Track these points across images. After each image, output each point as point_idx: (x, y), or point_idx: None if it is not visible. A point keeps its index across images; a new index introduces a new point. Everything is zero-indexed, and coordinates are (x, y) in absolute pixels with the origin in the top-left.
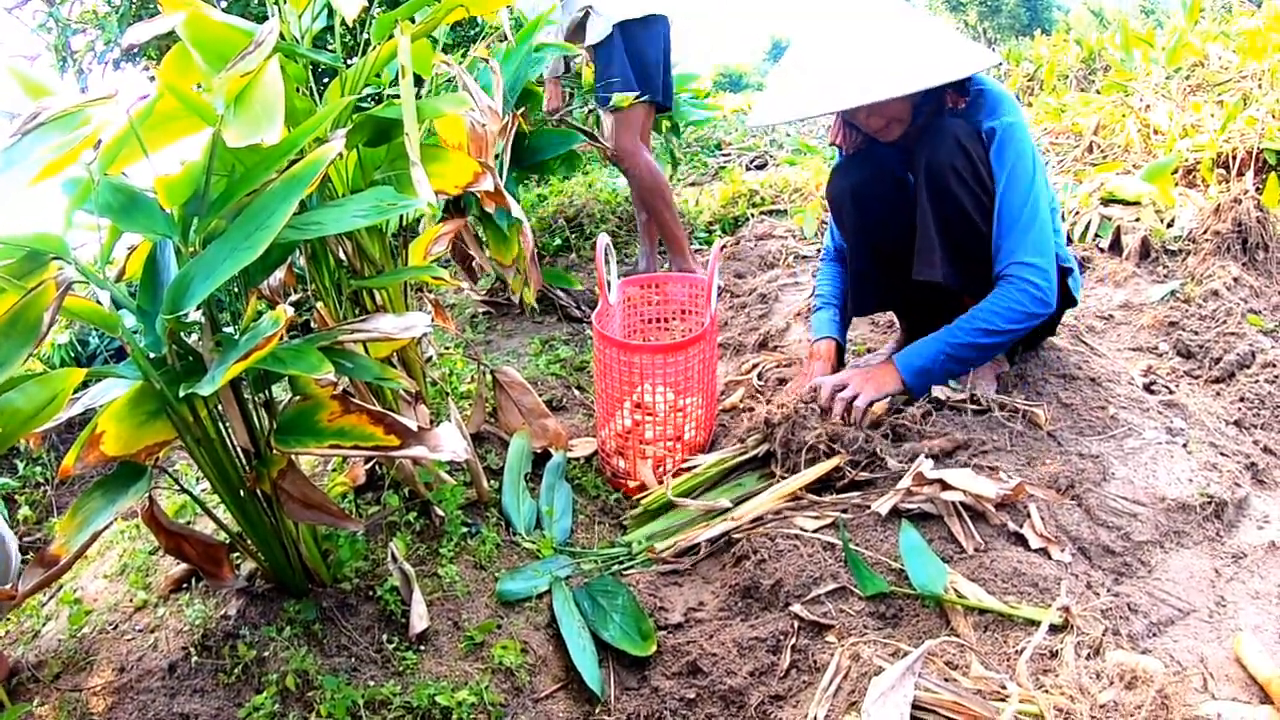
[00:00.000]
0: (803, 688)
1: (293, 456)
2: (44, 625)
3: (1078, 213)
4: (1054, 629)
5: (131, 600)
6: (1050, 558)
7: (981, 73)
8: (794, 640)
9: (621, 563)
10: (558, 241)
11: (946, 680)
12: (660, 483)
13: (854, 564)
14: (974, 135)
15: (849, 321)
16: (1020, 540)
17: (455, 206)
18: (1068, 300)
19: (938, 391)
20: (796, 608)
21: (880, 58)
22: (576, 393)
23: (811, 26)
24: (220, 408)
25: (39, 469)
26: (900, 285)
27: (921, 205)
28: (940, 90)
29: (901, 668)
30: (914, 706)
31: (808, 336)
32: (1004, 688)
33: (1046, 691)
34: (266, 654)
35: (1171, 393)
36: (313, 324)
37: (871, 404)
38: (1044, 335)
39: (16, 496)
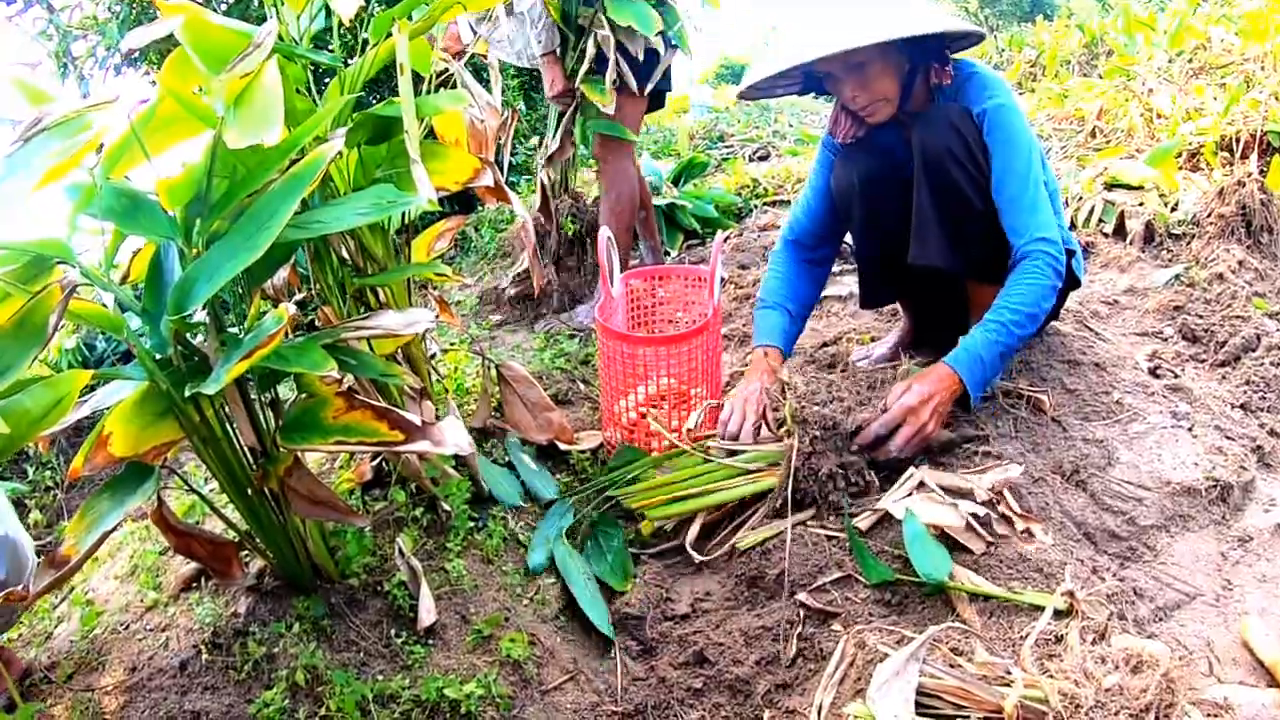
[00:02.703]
0: (809, 676)
1: (299, 454)
2: (56, 627)
3: (1081, 198)
4: (1059, 614)
5: (142, 600)
6: (1034, 537)
7: (976, 60)
8: (800, 629)
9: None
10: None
11: (951, 666)
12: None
13: (859, 552)
14: (967, 118)
15: (800, 327)
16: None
17: (463, 202)
18: (1071, 283)
19: None
20: (802, 596)
21: (856, 16)
22: (582, 386)
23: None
24: (226, 407)
25: (48, 473)
26: (908, 273)
27: (918, 191)
28: (926, 64)
29: (906, 654)
30: (919, 692)
31: (811, 327)
32: (1009, 673)
33: (1051, 676)
34: (276, 650)
35: (1176, 377)
36: (318, 323)
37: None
38: (1048, 320)
39: (26, 501)
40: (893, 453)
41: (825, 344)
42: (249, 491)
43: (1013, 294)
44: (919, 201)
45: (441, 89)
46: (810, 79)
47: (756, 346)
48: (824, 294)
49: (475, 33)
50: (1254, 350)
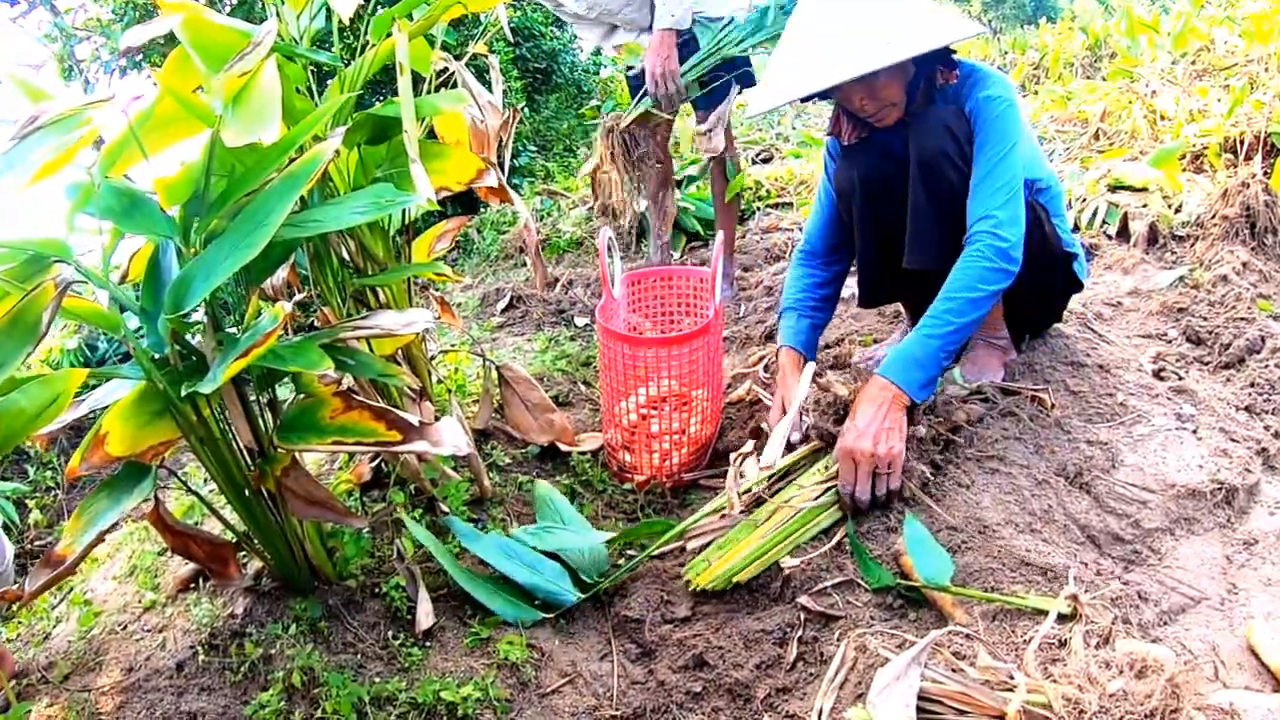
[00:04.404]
0: (809, 680)
1: (296, 454)
2: (54, 627)
3: (1085, 200)
4: (1062, 618)
5: (140, 601)
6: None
7: (978, 61)
8: (800, 632)
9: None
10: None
11: (953, 671)
12: (664, 475)
13: (860, 556)
14: (961, 117)
15: (821, 327)
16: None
17: (465, 203)
18: (1074, 285)
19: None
20: (803, 599)
21: (865, 32)
22: (583, 388)
23: (802, 12)
24: (224, 407)
25: (49, 473)
26: (908, 274)
27: (915, 193)
28: (931, 68)
29: (907, 658)
30: (920, 697)
31: None
32: (1011, 678)
33: (1055, 681)
34: (273, 651)
35: (1181, 379)
36: (317, 324)
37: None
38: (1051, 322)
39: (27, 501)
40: (879, 496)
41: (828, 345)
42: (246, 492)
43: (950, 284)
44: (914, 204)
45: (442, 89)
46: None
47: (778, 349)
48: None
49: None
50: (1258, 352)
